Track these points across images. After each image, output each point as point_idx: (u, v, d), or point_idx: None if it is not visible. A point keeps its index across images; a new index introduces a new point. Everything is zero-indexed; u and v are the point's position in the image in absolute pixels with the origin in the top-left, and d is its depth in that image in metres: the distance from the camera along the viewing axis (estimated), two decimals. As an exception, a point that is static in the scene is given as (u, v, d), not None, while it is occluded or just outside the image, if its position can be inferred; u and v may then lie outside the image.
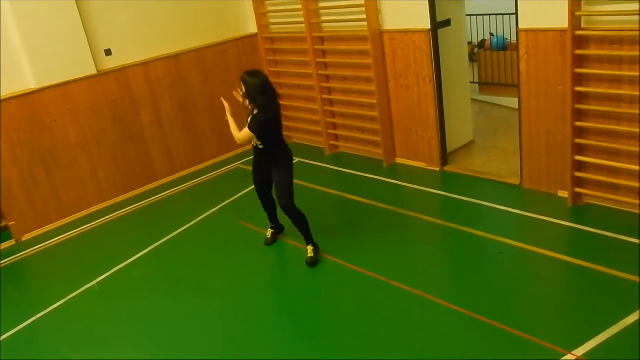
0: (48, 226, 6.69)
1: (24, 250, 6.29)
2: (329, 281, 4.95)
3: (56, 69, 6.47)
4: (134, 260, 5.69)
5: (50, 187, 6.65)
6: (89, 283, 5.37)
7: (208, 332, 4.46)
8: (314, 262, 5.09)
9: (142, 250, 5.83)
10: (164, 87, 7.43)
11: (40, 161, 6.52)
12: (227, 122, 5.00)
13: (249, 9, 8.01)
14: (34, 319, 4.95)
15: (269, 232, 5.61)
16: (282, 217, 5.34)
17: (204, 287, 5.09)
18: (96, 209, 7.00)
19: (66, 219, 6.81)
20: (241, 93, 4.89)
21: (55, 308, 5.06)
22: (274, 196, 5.21)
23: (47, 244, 6.38)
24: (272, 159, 5.00)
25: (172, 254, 5.75)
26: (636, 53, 4.64)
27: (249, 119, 4.83)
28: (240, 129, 4.89)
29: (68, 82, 6.58)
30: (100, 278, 5.44)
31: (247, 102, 4.82)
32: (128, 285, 5.30)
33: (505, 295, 4.38)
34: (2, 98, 6.16)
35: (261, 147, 4.93)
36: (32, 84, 6.41)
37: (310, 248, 5.14)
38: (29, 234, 6.58)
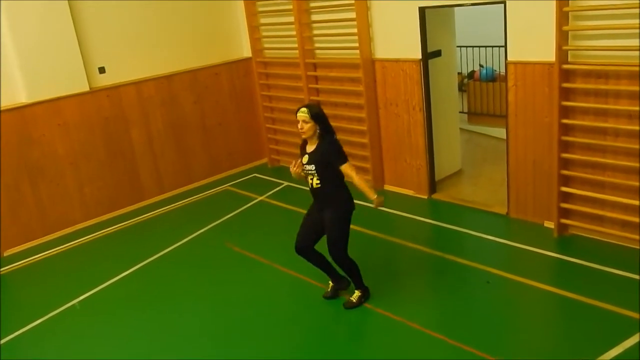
0: (32, 242, 6.62)
1: (6, 266, 6.20)
2: (312, 306, 4.90)
3: (49, 85, 6.48)
4: (117, 280, 5.62)
5: (36, 201, 6.59)
6: (70, 301, 5.29)
7: (188, 353, 4.40)
8: (351, 306, 4.72)
9: (126, 270, 5.77)
10: (156, 107, 7.45)
11: (26, 175, 6.47)
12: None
13: (244, 33, 8.09)
14: (12, 336, 4.86)
15: (330, 286, 4.96)
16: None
17: (186, 309, 5.03)
18: (81, 226, 6.94)
19: (50, 235, 6.74)
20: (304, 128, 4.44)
21: (34, 326, 4.97)
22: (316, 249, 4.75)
23: (29, 260, 6.30)
24: (329, 201, 4.53)
25: (156, 275, 5.69)
26: (621, 87, 4.73)
27: (323, 155, 4.42)
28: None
29: (60, 98, 6.58)
30: (82, 297, 5.37)
31: (304, 159, 4.50)
32: (109, 305, 5.22)
33: (491, 325, 4.37)
34: (-8, 111, 6.15)
35: (318, 185, 4.49)
36: (23, 98, 6.41)
37: (357, 293, 4.74)
38: (11, 249, 6.49)
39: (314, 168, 4.45)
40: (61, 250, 6.46)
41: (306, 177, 4.58)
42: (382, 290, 4.93)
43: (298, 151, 4.57)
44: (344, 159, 4.44)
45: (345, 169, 4.42)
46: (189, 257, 5.98)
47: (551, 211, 5.49)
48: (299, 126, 4.45)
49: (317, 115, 4.43)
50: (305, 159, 4.52)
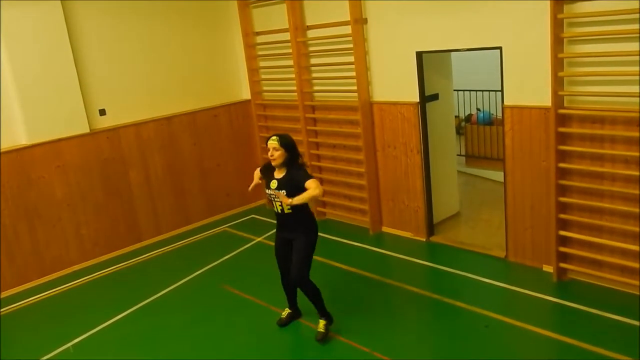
0: (27, 284, 6.56)
1: (1, 308, 6.12)
2: (306, 347, 4.84)
3: (49, 126, 6.54)
4: (112, 322, 5.55)
5: (32, 243, 6.56)
6: (64, 344, 5.22)
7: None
8: (323, 338, 4.84)
9: (122, 312, 5.71)
10: (155, 148, 7.49)
11: (23, 216, 6.47)
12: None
13: (243, 76, 8.21)
14: (4, 380, 4.79)
15: (285, 312, 5.23)
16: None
17: (182, 352, 4.95)
18: (78, 268, 6.89)
19: (46, 277, 6.68)
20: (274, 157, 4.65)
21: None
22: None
23: (24, 302, 6.23)
24: (297, 225, 4.73)
25: (152, 317, 5.62)
26: (617, 132, 4.78)
27: (292, 179, 4.61)
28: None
29: (60, 140, 6.63)
30: (77, 340, 5.29)
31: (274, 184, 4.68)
32: (104, 348, 5.15)
33: (489, 371, 4.31)
34: (-7, 152, 6.19)
35: (289, 210, 4.66)
36: (23, 140, 6.45)
37: (322, 322, 4.90)
38: (6, 291, 6.43)
39: (284, 193, 4.60)
40: (57, 292, 6.39)
41: (272, 203, 4.77)
42: (379, 333, 4.89)
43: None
44: (310, 176, 4.64)
45: (310, 183, 4.54)
46: (186, 299, 5.92)
47: (550, 255, 5.48)
48: (269, 153, 4.67)
49: (287, 144, 4.66)
50: (274, 184, 4.71)
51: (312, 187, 4.50)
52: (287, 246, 4.86)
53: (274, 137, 4.69)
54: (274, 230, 4.97)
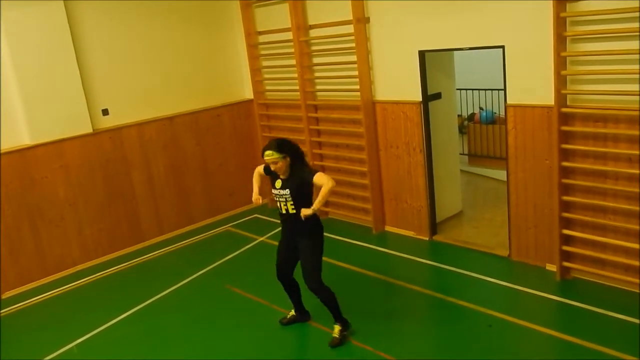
0: (30, 284, 6.57)
1: (4, 308, 6.13)
2: (312, 347, 4.84)
3: (52, 127, 6.54)
4: (116, 322, 5.56)
5: (35, 243, 6.57)
6: (68, 344, 5.22)
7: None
8: (336, 345, 4.71)
9: (125, 312, 5.71)
10: (157, 148, 7.50)
11: (26, 217, 6.47)
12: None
13: (245, 76, 8.21)
14: (7, 380, 4.80)
15: (290, 314, 5.15)
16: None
17: (185, 352, 4.96)
18: (81, 268, 6.90)
19: (49, 277, 6.69)
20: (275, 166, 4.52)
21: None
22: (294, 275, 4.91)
23: (28, 302, 6.23)
24: (302, 227, 4.58)
25: (155, 317, 5.62)
26: (620, 131, 4.77)
27: (296, 177, 4.52)
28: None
29: (63, 140, 6.64)
30: (80, 339, 5.30)
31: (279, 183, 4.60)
32: (107, 348, 5.15)
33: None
34: (-2, 153, 6.20)
35: (293, 210, 4.54)
36: (26, 140, 6.46)
37: (337, 328, 4.75)
38: (9, 291, 6.44)
39: (288, 192, 4.51)
40: (60, 292, 6.40)
41: (277, 203, 4.64)
42: (381, 332, 4.88)
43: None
44: (315, 171, 4.56)
45: (319, 178, 4.46)
46: (189, 299, 5.92)
47: (553, 254, 5.47)
48: (272, 168, 4.54)
49: (283, 149, 4.48)
50: (279, 183, 4.58)
51: (324, 182, 4.39)
52: (290, 248, 4.75)
53: (268, 152, 4.46)
54: (278, 230, 4.97)
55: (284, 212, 4.62)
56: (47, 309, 6.09)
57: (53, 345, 5.21)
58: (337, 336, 4.73)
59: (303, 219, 4.42)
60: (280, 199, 4.58)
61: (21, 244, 6.48)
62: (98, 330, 5.43)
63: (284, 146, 4.48)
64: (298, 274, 4.80)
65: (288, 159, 4.49)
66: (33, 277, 6.60)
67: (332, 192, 4.55)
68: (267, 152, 4.47)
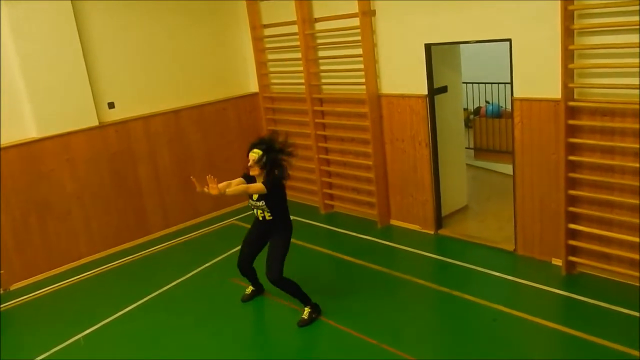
0: (37, 276, 6.60)
1: (11, 300, 6.17)
2: (318, 343, 4.87)
3: (58, 120, 6.56)
4: (122, 314, 5.59)
5: (42, 236, 6.60)
6: (74, 336, 5.26)
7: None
8: (303, 324, 5.01)
9: (130, 305, 5.74)
10: (163, 142, 7.51)
11: (34, 209, 6.51)
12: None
13: (251, 69, 8.21)
14: (14, 371, 4.83)
15: (249, 289, 5.63)
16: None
17: (190, 345, 4.99)
18: (87, 260, 6.93)
19: (56, 269, 6.72)
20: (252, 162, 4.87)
21: (39, 360, 4.94)
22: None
23: (35, 294, 6.27)
24: (276, 228, 4.98)
25: (161, 310, 5.65)
26: (627, 125, 4.75)
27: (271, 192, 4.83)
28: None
29: (69, 133, 6.65)
30: (87, 331, 5.33)
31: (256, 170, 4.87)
32: (114, 340, 5.19)
33: (497, 364, 4.30)
34: (1, 146, 6.21)
35: (270, 217, 4.93)
36: (33, 133, 6.48)
37: (307, 310, 5.06)
38: (17, 283, 6.48)
39: (264, 204, 4.81)
40: (67, 285, 6.44)
41: (254, 210, 4.98)
42: (387, 325, 4.90)
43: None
44: (266, 183, 4.74)
45: (258, 185, 4.77)
46: (194, 292, 5.95)
47: (559, 248, 5.46)
48: (249, 165, 4.90)
49: (264, 152, 4.81)
50: (255, 195, 4.85)
51: (252, 185, 4.73)
52: (259, 244, 5.16)
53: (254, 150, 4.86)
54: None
55: (260, 219, 4.98)
56: (54, 301, 6.12)
57: (60, 337, 5.24)
58: (305, 317, 5.02)
59: (219, 192, 4.50)
60: (258, 209, 4.92)
61: (28, 236, 6.51)
62: (104, 323, 5.46)
63: (258, 148, 4.84)
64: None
65: (261, 161, 4.79)
66: (40, 269, 6.63)
67: (244, 192, 4.83)
68: (254, 150, 4.85)
